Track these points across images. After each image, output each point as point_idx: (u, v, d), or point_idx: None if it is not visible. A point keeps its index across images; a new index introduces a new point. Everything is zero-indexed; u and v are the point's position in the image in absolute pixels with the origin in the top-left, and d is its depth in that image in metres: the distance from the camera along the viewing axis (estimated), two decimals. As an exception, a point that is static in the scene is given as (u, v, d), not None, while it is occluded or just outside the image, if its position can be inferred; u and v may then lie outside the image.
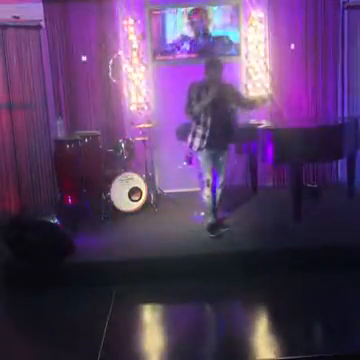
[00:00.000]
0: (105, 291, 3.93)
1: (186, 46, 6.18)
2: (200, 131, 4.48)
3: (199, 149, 4.52)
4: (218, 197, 4.73)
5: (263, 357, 3.05)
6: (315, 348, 3.14)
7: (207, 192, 4.60)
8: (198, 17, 6.13)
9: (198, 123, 4.50)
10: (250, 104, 4.67)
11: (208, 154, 4.53)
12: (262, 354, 3.09)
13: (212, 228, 4.63)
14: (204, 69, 4.42)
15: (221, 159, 4.64)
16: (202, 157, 4.56)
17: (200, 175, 4.67)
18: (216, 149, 4.55)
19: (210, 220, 4.69)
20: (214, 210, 4.69)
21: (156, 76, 6.21)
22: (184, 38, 6.17)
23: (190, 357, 3.12)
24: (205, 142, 4.47)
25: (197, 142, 4.51)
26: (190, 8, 6.10)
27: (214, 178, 4.61)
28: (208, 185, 4.57)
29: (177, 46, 6.18)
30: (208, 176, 4.55)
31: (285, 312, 3.53)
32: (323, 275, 3.95)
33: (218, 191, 4.72)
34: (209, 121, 4.44)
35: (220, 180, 4.70)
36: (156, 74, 6.20)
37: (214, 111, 4.42)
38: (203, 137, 4.47)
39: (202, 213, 5.05)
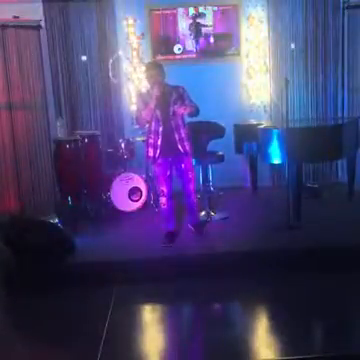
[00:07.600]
0: (105, 291, 3.93)
1: (186, 46, 6.18)
2: (151, 141, 4.31)
3: (153, 159, 4.34)
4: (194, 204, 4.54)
5: (263, 357, 3.05)
6: (315, 348, 3.14)
7: (163, 201, 4.47)
8: (198, 17, 6.13)
9: (150, 132, 4.33)
10: (190, 108, 4.22)
11: (163, 163, 4.35)
12: (262, 354, 3.08)
13: (167, 237, 4.49)
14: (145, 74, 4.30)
15: (183, 166, 4.38)
16: (157, 167, 4.38)
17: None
18: (173, 157, 4.35)
19: (168, 227, 4.55)
20: (170, 219, 4.54)
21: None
22: (184, 38, 6.17)
23: (190, 357, 3.12)
24: (158, 151, 4.29)
25: (151, 153, 4.33)
26: (190, 8, 6.10)
27: (183, 186, 4.43)
28: (163, 195, 4.43)
29: (177, 46, 6.18)
30: (162, 187, 4.41)
31: (285, 312, 3.53)
32: (323, 275, 3.94)
33: (192, 199, 4.50)
34: (161, 128, 4.24)
35: (190, 188, 4.44)
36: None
37: (164, 117, 4.23)
38: (155, 146, 4.29)
39: (202, 213, 5.06)
